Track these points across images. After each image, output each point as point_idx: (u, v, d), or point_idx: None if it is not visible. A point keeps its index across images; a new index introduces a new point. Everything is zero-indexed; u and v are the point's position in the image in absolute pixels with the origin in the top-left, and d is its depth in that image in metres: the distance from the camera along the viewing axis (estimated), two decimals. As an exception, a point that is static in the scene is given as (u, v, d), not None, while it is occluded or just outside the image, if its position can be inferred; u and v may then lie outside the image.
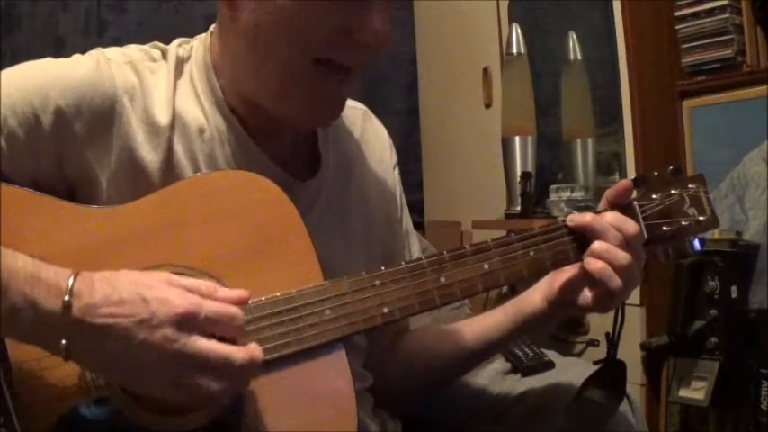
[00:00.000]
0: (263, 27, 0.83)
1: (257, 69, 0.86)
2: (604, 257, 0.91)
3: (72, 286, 0.68)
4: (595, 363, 1.03)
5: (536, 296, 1.00)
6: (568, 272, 0.96)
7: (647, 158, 2.03)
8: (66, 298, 0.68)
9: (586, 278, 0.93)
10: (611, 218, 0.93)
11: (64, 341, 0.68)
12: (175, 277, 0.73)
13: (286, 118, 0.90)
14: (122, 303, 0.69)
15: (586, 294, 0.94)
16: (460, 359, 1.05)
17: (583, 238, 0.94)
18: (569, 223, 0.94)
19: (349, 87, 0.88)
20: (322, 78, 0.85)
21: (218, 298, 0.73)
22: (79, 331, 0.68)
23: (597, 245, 0.92)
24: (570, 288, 0.96)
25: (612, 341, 1.01)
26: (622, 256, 0.91)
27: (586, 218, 0.94)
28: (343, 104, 0.91)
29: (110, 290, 0.70)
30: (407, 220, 1.10)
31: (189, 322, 0.70)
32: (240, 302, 0.75)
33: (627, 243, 0.92)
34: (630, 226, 0.93)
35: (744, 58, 1.93)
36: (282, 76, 0.85)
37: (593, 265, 0.91)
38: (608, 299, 0.93)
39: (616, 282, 0.90)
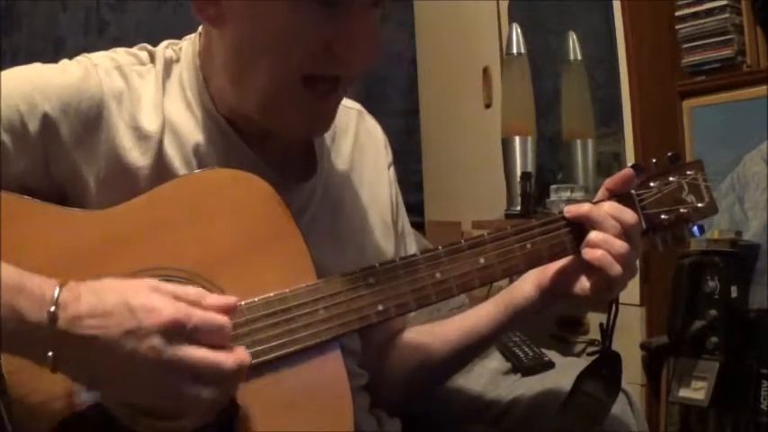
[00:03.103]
0: (250, 42, 0.83)
1: (243, 83, 0.85)
2: (602, 247, 0.90)
3: (58, 297, 0.67)
4: (590, 355, 1.03)
5: (527, 285, 0.99)
6: (563, 260, 0.95)
7: (647, 159, 2.01)
8: (52, 309, 0.67)
9: (583, 267, 0.92)
10: (609, 207, 0.93)
11: (51, 353, 0.67)
12: (162, 284, 0.72)
13: (275, 130, 0.90)
14: (108, 314, 0.68)
15: (584, 283, 0.93)
16: (454, 355, 1.05)
17: (580, 230, 0.93)
18: (566, 214, 0.94)
19: (338, 97, 0.88)
20: (310, 94, 0.84)
21: (206, 305, 0.72)
22: (66, 343, 0.67)
23: (594, 234, 0.91)
24: (564, 277, 0.95)
25: (607, 332, 1.00)
26: (620, 245, 0.90)
27: (584, 208, 0.93)
28: (332, 116, 0.90)
29: (95, 300, 0.68)
30: (404, 221, 1.09)
31: (176, 331, 0.69)
32: (228, 310, 0.74)
33: (625, 233, 0.91)
34: (628, 215, 0.92)
35: (744, 58, 1.93)
36: (269, 91, 0.84)
37: (592, 253, 0.90)
38: (607, 287, 0.92)
39: (616, 268, 0.89)
